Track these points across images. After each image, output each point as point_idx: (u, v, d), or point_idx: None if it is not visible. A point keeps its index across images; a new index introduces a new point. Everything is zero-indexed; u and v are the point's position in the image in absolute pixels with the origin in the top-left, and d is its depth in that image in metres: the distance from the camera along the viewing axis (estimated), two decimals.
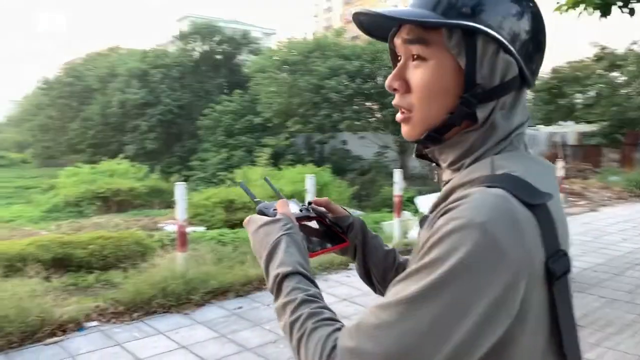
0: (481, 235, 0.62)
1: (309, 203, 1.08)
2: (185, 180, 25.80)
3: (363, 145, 27.30)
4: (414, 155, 0.90)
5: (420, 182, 21.05)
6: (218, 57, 38.79)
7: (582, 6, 4.80)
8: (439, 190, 0.82)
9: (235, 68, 38.83)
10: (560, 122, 25.35)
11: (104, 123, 36.98)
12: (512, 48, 0.76)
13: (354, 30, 53.67)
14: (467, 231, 0.63)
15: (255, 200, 1.02)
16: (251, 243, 0.91)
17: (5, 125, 68.52)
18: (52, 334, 3.97)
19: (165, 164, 29.57)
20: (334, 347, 0.67)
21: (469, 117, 0.78)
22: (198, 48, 38.57)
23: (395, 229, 7.18)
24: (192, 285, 4.75)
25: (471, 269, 0.62)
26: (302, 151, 28.67)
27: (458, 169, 0.80)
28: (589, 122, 23.09)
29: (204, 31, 37.64)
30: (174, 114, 34.10)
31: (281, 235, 0.86)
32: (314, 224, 1.04)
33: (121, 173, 20.35)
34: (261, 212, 0.97)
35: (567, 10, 4.98)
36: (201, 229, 10.31)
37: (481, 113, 0.77)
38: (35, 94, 56.07)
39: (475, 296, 0.62)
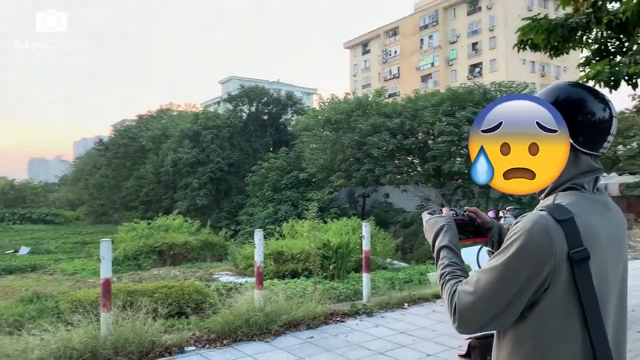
0: (527, 237, 1.13)
1: (465, 211, 1.57)
2: (234, 234, 27.00)
3: (405, 198, 27.87)
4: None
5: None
6: (265, 117, 40.85)
7: (593, 82, 5.44)
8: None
9: (280, 127, 40.67)
10: (604, 174, 25.37)
11: (157, 181, 38.95)
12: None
13: (392, 88, 54.51)
14: (520, 233, 1.14)
15: (432, 209, 1.54)
16: (424, 227, 1.47)
17: (59, 184, 71.40)
18: (161, 355, 4.79)
19: (214, 219, 30.73)
20: (455, 290, 1.22)
21: None
22: (246, 109, 40.78)
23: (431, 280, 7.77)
24: (270, 317, 5.52)
25: (519, 256, 1.13)
26: (345, 205, 29.44)
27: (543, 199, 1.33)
28: (632, 174, 23.16)
29: (252, 94, 39.74)
30: (223, 172, 35.79)
31: (443, 224, 1.41)
32: (466, 224, 1.55)
33: (175, 228, 21.13)
34: (431, 213, 1.51)
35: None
36: (253, 279, 10.90)
37: None
38: (89, 155, 58.99)
39: (520, 270, 1.13)
